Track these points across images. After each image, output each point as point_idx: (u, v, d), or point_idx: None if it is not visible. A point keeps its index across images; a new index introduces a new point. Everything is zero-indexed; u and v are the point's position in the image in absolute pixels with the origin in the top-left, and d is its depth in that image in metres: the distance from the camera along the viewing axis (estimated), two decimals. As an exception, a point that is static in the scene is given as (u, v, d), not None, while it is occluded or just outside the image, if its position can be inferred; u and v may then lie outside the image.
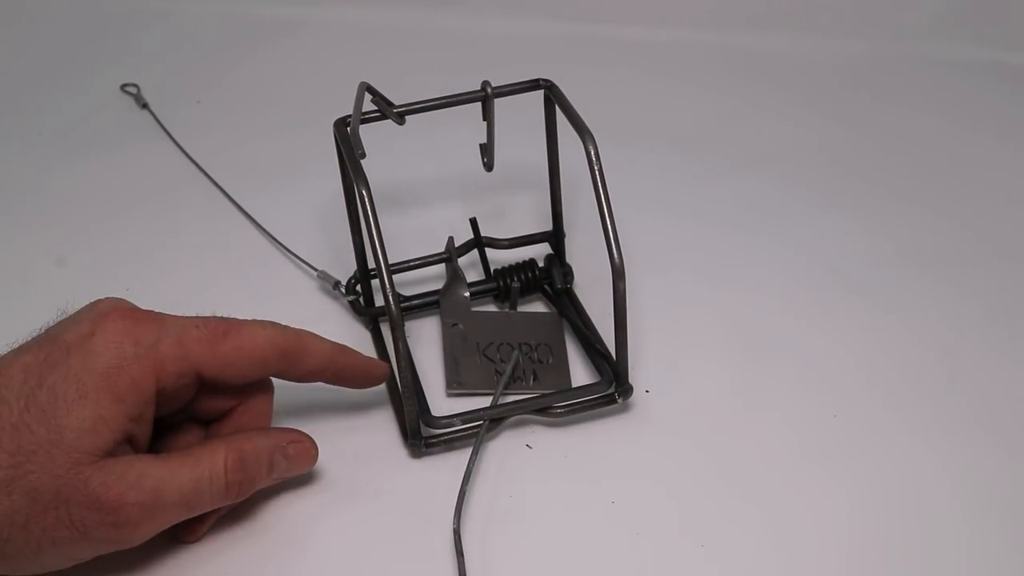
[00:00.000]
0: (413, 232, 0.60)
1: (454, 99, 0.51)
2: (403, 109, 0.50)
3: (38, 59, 0.82)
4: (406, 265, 0.58)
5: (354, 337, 0.56)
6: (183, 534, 0.44)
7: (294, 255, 0.61)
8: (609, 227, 0.48)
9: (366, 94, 0.49)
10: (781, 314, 0.58)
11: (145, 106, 0.75)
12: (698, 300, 0.59)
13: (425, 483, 0.48)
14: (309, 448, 0.46)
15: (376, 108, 0.50)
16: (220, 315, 0.44)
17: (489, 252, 0.59)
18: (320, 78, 0.79)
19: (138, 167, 0.70)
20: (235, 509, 0.46)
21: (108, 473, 0.39)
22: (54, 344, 0.40)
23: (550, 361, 0.54)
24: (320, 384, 0.48)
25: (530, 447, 0.50)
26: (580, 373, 0.55)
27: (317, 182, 0.63)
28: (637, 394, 0.52)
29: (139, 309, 0.43)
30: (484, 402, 0.51)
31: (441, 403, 0.52)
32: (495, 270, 0.58)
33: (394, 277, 0.48)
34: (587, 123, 0.49)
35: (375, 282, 0.56)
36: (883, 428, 0.52)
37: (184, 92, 0.77)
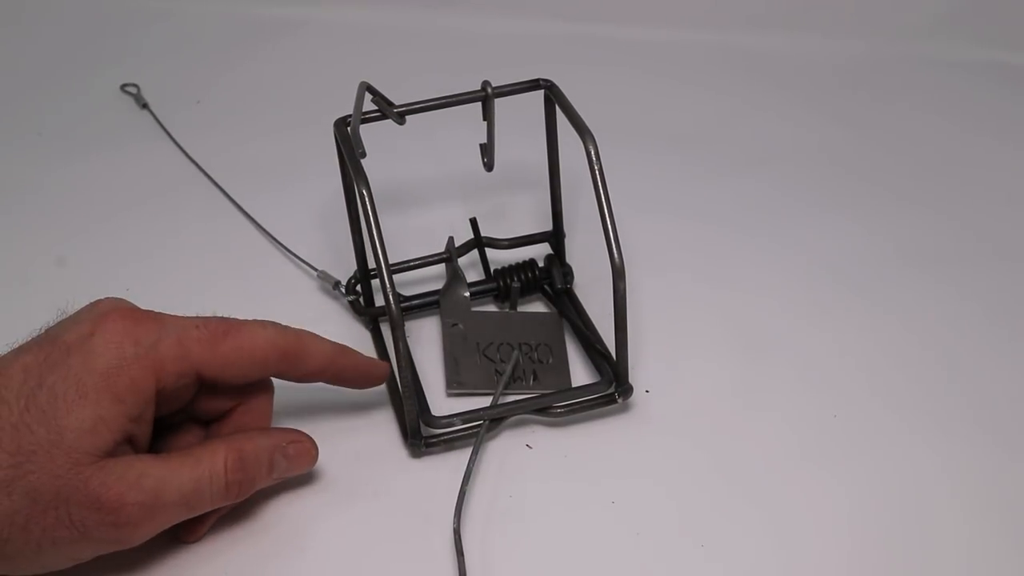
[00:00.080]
0: (413, 232, 0.60)
1: (454, 99, 0.51)
2: (403, 109, 0.50)
3: (38, 59, 0.82)
4: (406, 265, 0.58)
5: (354, 337, 0.56)
6: (183, 534, 0.44)
7: (294, 255, 0.61)
8: (609, 227, 0.48)
9: (366, 94, 0.49)
10: (781, 314, 0.58)
11: (145, 106, 0.75)
12: (698, 300, 0.59)
13: (425, 483, 0.48)
14: (309, 448, 0.46)
15: (376, 108, 0.50)
16: (220, 315, 0.44)
17: (489, 252, 0.59)
18: (320, 78, 0.79)
19: (138, 167, 0.70)
20: (235, 509, 0.46)
21: (108, 473, 0.39)
22: (54, 344, 0.40)
23: (550, 361, 0.54)
24: (320, 384, 0.48)
25: (530, 447, 0.50)
26: (580, 373, 0.55)
27: (317, 182, 0.63)
28: (637, 394, 0.52)
29: (139, 309, 0.43)
30: (484, 402, 0.51)
31: (441, 403, 0.52)
32: (495, 270, 0.58)
33: (394, 277, 0.48)
34: (587, 123, 0.49)
35: (375, 282, 0.56)
36: (883, 428, 0.52)
37: (184, 92, 0.77)
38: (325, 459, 0.47)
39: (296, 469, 0.46)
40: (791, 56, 0.84)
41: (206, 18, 0.86)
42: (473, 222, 0.59)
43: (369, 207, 0.46)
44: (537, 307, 0.59)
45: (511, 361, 0.53)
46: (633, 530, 0.46)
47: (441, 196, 0.66)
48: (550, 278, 0.58)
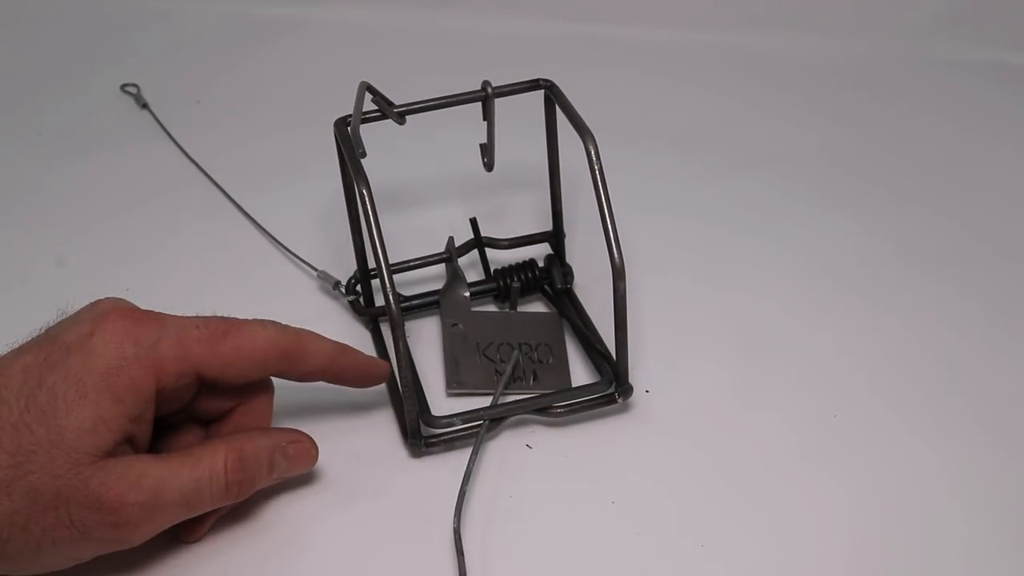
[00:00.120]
0: (413, 232, 0.60)
1: (454, 99, 0.51)
2: (403, 109, 0.50)
3: (38, 59, 0.82)
4: (406, 265, 0.58)
5: (354, 337, 0.56)
6: (183, 534, 0.44)
7: (294, 255, 0.61)
8: (609, 227, 0.48)
9: (366, 94, 0.49)
10: (781, 314, 0.58)
11: (145, 106, 0.75)
12: (698, 300, 0.59)
13: (425, 483, 0.48)
14: (309, 448, 0.46)
15: (376, 108, 0.50)
16: (220, 315, 0.44)
17: (489, 252, 0.59)
18: (320, 78, 0.79)
19: (138, 167, 0.70)
20: (235, 509, 0.46)
21: (108, 473, 0.39)
22: (54, 344, 0.40)
23: (550, 361, 0.54)
24: (320, 384, 0.48)
25: (530, 447, 0.50)
26: (580, 373, 0.55)
27: (317, 182, 0.63)
28: (637, 394, 0.52)
29: (139, 309, 0.43)
30: (484, 402, 0.51)
31: (441, 403, 0.52)
32: (495, 270, 0.58)
33: (394, 277, 0.48)
34: (587, 123, 0.49)
35: (375, 282, 0.56)
36: (883, 428, 0.52)
37: (184, 92, 0.77)
38: (325, 459, 0.47)
39: (296, 469, 0.46)
40: (791, 56, 0.84)
41: (206, 18, 0.86)
42: (473, 222, 0.59)
43: (369, 207, 0.46)
44: (537, 307, 0.59)
45: (511, 361, 0.53)
46: (633, 530, 0.46)
47: (441, 196, 0.66)
48: (550, 278, 0.58)
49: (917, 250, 0.64)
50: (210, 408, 0.46)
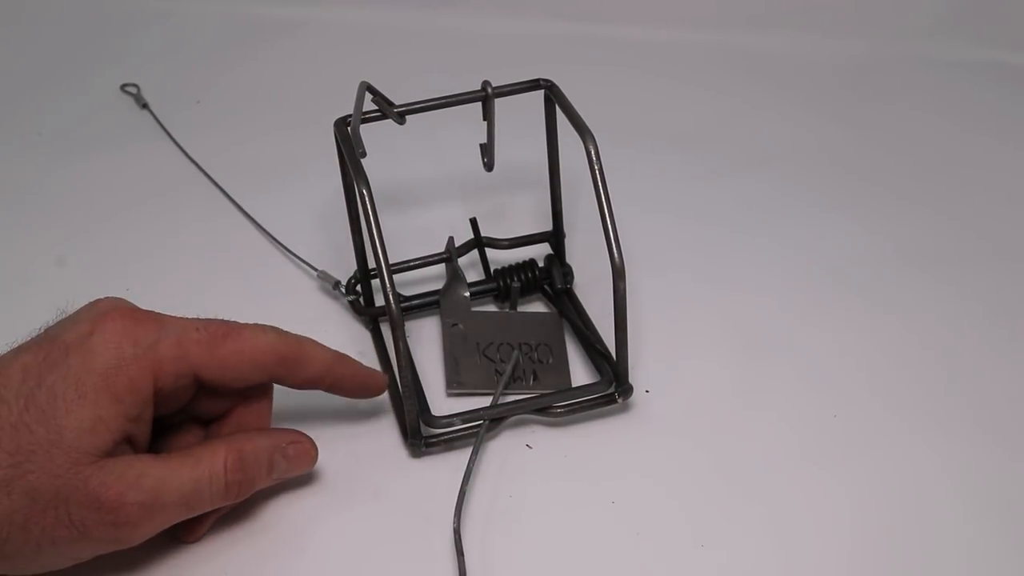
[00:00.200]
0: (413, 232, 0.60)
1: (454, 99, 0.51)
2: (403, 109, 0.50)
3: (38, 59, 0.82)
4: (406, 265, 0.58)
5: (354, 337, 0.56)
6: (183, 534, 0.44)
7: (294, 255, 0.61)
8: (609, 227, 0.48)
9: (366, 94, 0.49)
10: (781, 314, 0.58)
11: (145, 106, 0.75)
12: (698, 300, 0.59)
13: (425, 483, 0.48)
14: (309, 449, 0.46)
15: (377, 108, 0.50)
16: (221, 317, 0.44)
17: (489, 252, 0.59)
18: (320, 78, 0.79)
19: (138, 167, 0.70)
20: (235, 509, 0.46)
21: (108, 473, 0.39)
22: (53, 344, 0.40)
23: (550, 361, 0.54)
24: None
25: (530, 447, 0.50)
26: (580, 373, 0.55)
27: (317, 182, 0.63)
28: (637, 394, 0.52)
29: (139, 309, 0.43)
30: (484, 402, 0.51)
31: (441, 403, 0.52)
32: (495, 270, 0.58)
33: (394, 277, 0.48)
34: (587, 123, 0.49)
35: (375, 282, 0.56)
36: (883, 428, 0.52)
37: (184, 92, 0.77)
38: (325, 459, 0.47)
39: (296, 470, 0.46)
40: (791, 56, 0.84)
41: (206, 18, 0.86)
42: (473, 222, 0.59)
43: (369, 207, 0.46)
44: (537, 307, 0.59)
45: (511, 361, 0.53)
46: (633, 530, 0.46)
47: (441, 196, 0.66)
48: (550, 278, 0.58)
49: (917, 250, 0.64)
50: (209, 409, 0.46)
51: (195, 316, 0.44)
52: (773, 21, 0.86)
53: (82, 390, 0.39)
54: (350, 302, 0.57)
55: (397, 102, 0.50)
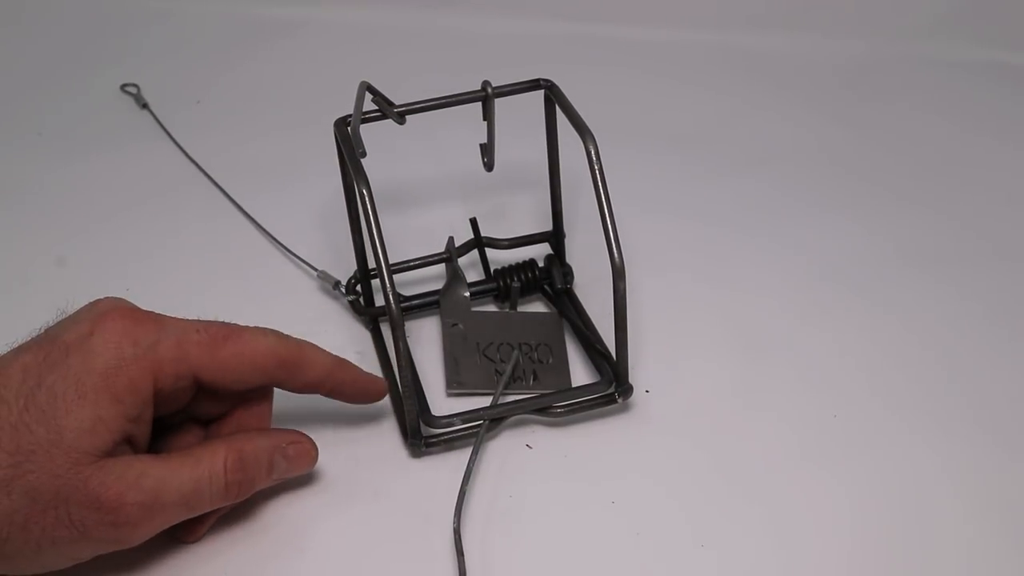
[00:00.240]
0: (413, 232, 0.60)
1: (454, 99, 0.51)
2: (403, 109, 0.50)
3: (38, 59, 0.82)
4: (406, 265, 0.58)
5: (354, 337, 0.56)
6: (183, 534, 0.44)
7: (294, 255, 0.61)
8: (609, 227, 0.48)
9: (366, 94, 0.49)
10: (781, 314, 0.58)
11: (145, 106, 0.75)
12: (698, 300, 0.59)
13: (425, 483, 0.48)
14: (309, 449, 0.46)
15: (377, 108, 0.50)
16: (222, 320, 0.44)
17: (489, 252, 0.59)
18: (320, 78, 0.79)
19: (138, 167, 0.70)
20: (235, 509, 0.46)
21: (108, 473, 0.39)
22: (53, 344, 0.40)
23: (550, 361, 0.54)
24: (319, 391, 0.48)
25: (530, 447, 0.50)
26: (580, 373, 0.55)
27: (317, 182, 0.63)
28: (637, 394, 0.52)
29: (139, 309, 0.43)
30: (484, 402, 0.51)
31: (441, 403, 0.52)
32: (495, 270, 0.58)
33: (394, 277, 0.48)
34: (587, 123, 0.49)
35: (375, 282, 0.56)
36: (883, 428, 0.52)
37: (184, 92, 0.77)
38: (325, 459, 0.47)
39: (296, 470, 0.46)
40: (791, 56, 0.84)
41: (206, 18, 0.86)
42: (473, 222, 0.59)
43: (369, 207, 0.46)
44: (537, 307, 0.59)
45: (511, 361, 0.53)
46: (633, 530, 0.46)
47: (441, 196, 0.66)
48: (550, 278, 0.58)
49: (917, 250, 0.64)
50: (209, 410, 0.46)
51: (195, 316, 0.44)
52: (773, 21, 0.86)
53: (82, 390, 0.39)
54: (350, 302, 0.57)
55: (397, 102, 0.50)
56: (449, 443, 0.49)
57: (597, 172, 0.48)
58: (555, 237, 0.59)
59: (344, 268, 0.58)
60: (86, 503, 0.38)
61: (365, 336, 0.56)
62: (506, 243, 0.60)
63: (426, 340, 0.56)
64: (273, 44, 0.84)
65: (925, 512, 0.48)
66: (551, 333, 0.56)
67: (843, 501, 0.48)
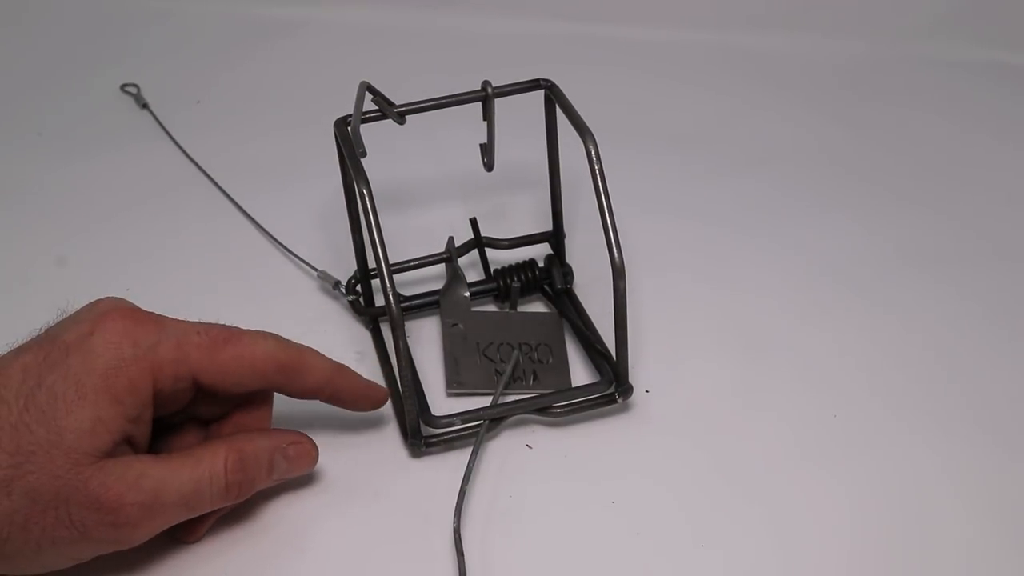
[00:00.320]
0: (413, 232, 0.60)
1: (454, 99, 0.51)
2: (403, 109, 0.50)
3: (38, 59, 0.82)
4: (406, 265, 0.58)
5: (354, 337, 0.56)
6: (183, 534, 0.44)
7: (294, 255, 0.61)
8: (609, 227, 0.48)
9: (366, 94, 0.49)
10: (781, 314, 0.58)
11: (145, 106, 0.75)
12: (698, 300, 0.59)
13: (425, 483, 0.48)
14: (309, 449, 0.46)
15: (377, 108, 0.50)
16: (223, 320, 0.44)
17: (489, 252, 0.59)
18: (320, 78, 0.79)
19: (138, 167, 0.70)
20: (235, 510, 0.46)
21: (108, 473, 0.39)
22: (53, 344, 0.40)
23: (550, 361, 0.54)
24: (320, 391, 0.48)
25: (530, 447, 0.50)
26: (580, 373, 0.55)
27: (317, 182, 0.63)
28: (637, 394, 0.52)
29: (140, 310, 0.43)
30: (484, 402, 0.51)
31: (441, 403, 0.52)
32: (495, 270, 0.58)
33: (394, 277, 0.48)
34: (587, 123, 0.49)
35: (375, 282, 0.56)
36: (883, 428, 0.52)
37: (184, 92, 0.77)
38: (325, 459, 0.47)
39: (296, 470, 0.46)
40: (791, 56, 0.84)
41: (206, 18, 0.86)
42: (473, 222, 0.59)
43: (369, 207, 0.46)
44: (537, 307, 0.59)
45: (511, 361, 0.53)
46: (633, 530, 0.46)
47: (441, 196, 0.66)
48: (550, 278, 0.58)
49: (917, 250, 0.64)
50: (210, 411, 0.46)
51: (196, 316, 0.44)
52: (773, 21, 0.86)
53: (82, 391, 0.39)
54: (350, 302, 0.57)
55: (397, 102, 0.50)
56: (449, 443, 0.49)
57: (597, 172, 0.48)
58: (555, 237, 0.59)
59: (344, 268, 0.58)
60: (86, 503, 0.38)
61: (365, 336, 0.56)
62: (506, 243, 0.60)
63: (426, 340, 0.56)
64: (273, 44, 0.84)
65: (925, 512, 0.48)
66: (551, 333, 0.56)
67: (843, 501, 0.48)
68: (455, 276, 0.57)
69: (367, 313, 0.57)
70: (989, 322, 0.58)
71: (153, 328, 0.42)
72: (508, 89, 0.51)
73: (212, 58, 0.82)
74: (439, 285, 0.58)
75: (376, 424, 0.51)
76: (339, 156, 0.50)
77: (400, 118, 0.50)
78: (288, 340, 0.45)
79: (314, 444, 0.46)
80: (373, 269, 0.49)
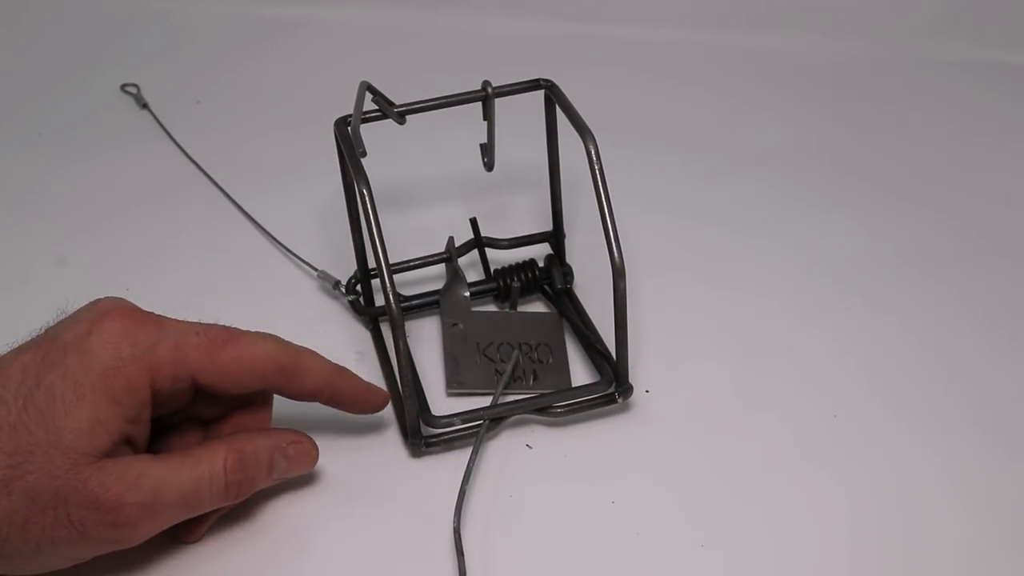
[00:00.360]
0: (413, 232, 0.60)
1: (454, 99, 0.51)
2: (404, 109, 0.50)
3: (38, 59, 0.82)
4: (406, 265, 0.58)
5: (354, 337, 0.56)
6: (182, 535, 0.44)
7: (294, 255, 0.61)
8: (609, 226, 0.48)
9: (367, 93, 0.49)
10: (781, 314, 0.58)
11: (145, 106, 0.75)
12: (698, 300, 0.59)
13: (425, 483, 0.48)
14: (309, 449, 0.46)
15: (377, 107, 0.50)
16: (223, 321, 0.44)
17: (489, 252, 0.59)
18: (320, 78, 0.79)
19: (138, 167, 0.70)
20: (235, 509, 0.46)
21: (107, 473, 0.39)
22: (52, 344, 0.40)
23: (550, 361, 0.54)
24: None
25: (530, 447, 0.50)
26: (580, 373, 0.55)
27: (317, 182, 0.63)
28: (637, 394, 0.52)
29: (139, 310, 0.43)
30: (484, 402, 0.51)
31: (441, 403, 0.52)
32: (495, 270, 0.58)
33: (394, 277, 0.47)
34: (587, 123, 0.49)
35: (375, 282, 0.56)
36: (883, 428, 0.52)
37: (184, 92, 0.77)
38: (325, 459, 0.47)
39: (296, 470, 0.46)
40: (791, 56, 0.84)
41: (206, 18, 0.86)
42: (473, 222, 0.59)
43: (369, 206, 0.46)
44: (537, 307, 0.59)
45: (511, 361, 0.53)
46: (633, 530, 0.46)
47: (441, 196, 0.66)
48: (550, 278, 0.58)
49: (917, 250, 0.64)
50: (209, 411, 0.46)
51: (196, 316, 0.44)
52: (773, 21, 0.86)
53: (80, 391, 0.39)
54: (350, 302, 0.57)
55: (397, 102, 0.50)
56: (449, 443, 0.49)
57: (597, 172, 0.48)
58: (555, 237, 0.59)
59: (344, 268, 0.58)
60: (85, 503, 0.38)
61: (365, 336, 0.56)
62: (506, 243, 0.60)
63: (426, 340, 0.56)
64: (273, 44, 0.84)
65: (925, 512, 0.48)
66: (551, 333, 0.56)
67: (843, 501, 0.48)
68: (455, 276, 0.57)
69: (367, 313, 0.57)
70: (989, 322, 0.58)
71: (152, 328, 0.42)
72: (508, 89, 0.51)
73: (212, 58, 0.82)
74: (439, 285, 0.58)
75: (376, 424, 0.51)
76: (339, 156, 0.50)
77: (400, 118, 0.50)
78: (288, 342, 0.45)
79: (314, 444, 0.46)
80: (373, 269, 0.49)
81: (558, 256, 0.59)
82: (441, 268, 0.59)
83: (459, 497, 0.46)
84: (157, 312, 0.43)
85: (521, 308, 0.58)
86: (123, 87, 0.77)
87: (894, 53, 0.84)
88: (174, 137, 0.72)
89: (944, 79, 0.82)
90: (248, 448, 0.44)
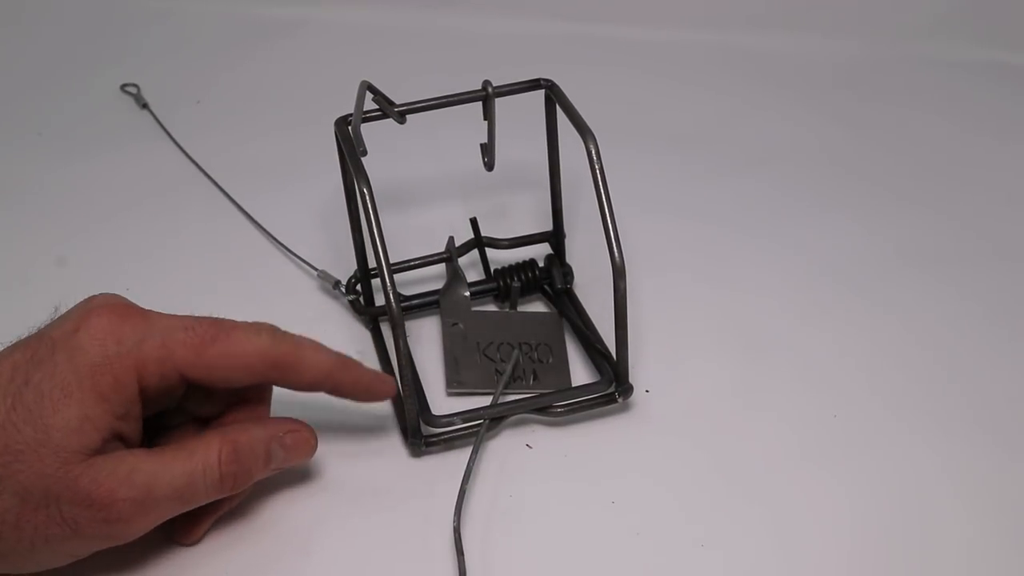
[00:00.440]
0: (413, 232, 0.60)
1: (455, 99, 0.51)
2: (404, 108, 0.50)
3: (38, 59, 0.82)
4: (406, 265, 0.58)
5: (354, 337, 0.56)
6: (180, 536, 0.44)
7: (294, 255, 0.61)
8: (609, 226, 0.48)
9: (367, 93, 0.49)
10: (781, 314, 0.58)
11: (145, 106, 0.75)
12: (698, 300, 0.59)
13: (425, 482, 0.48)
14: (308, 438, 0.46)
15: (377, 107, 0.50)
16: (217, 317, 0.43)
17: (489, 252, 0.59)
18: (320, 78, 0.79)
19: (138, 167, 0.70)
20: (235, 509, 0.46)
21: (98, 470, 0.39)
22: (41, 341, 0.40)
23: (550, 361, 0.54)
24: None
25: (530, 447, 0.50)
26: (580, 373, 0.55)
27: (317, 182, 0.63)
28: (637, 394, 0.52)
29: (130, 306, 0.42)
30: (484, 401, 0.51)
31: (441, 402, 0.52)
32: (495, 270, 0.58)
33: (394, 277, 0.47)
34: (587, 123, 0.49)
35: (375, 281, 0.56)
36: (883, 428, 0.52)
37: (184, 92, 0.77)
38: (324, 458, 0.47)
39: (294, 459, 0.46)
40: (791, 56, 0.84)
41: (206, 18, 0.86)
42: (473, 222, 0.59)
43: (370, 206, 0.46)
44: (537, 307, 0.59)
45: (511, 361, 0.53)
46: (633, 530, 0.46)
47: (441, 196, 0.66)
48: (550, 278, 0.58)
49: (917, 250, 0.64)
50: (206, 408, 0.45)
51: (188, 316, 0.43)
52: (773, 21, 0.86)
53: (68, 389, 0.39)
54: (350, 302, 0.57)
55: (397, 102, 0.50)
56: (449, 443, 0.49)
57: (597, 172, 0.48)
58: (555, 237, 0.59)
59: (344, 268, 0.58)
60: (77, 501, 0.38)
61: (365, 336, 0.56)
62: (506, 243, 0.60)
63: (426, 340, 0.56)
64: (273, 44, 0.84)
65: (925, 512, 0.48)
66: (551, 333, 0.56)
67: (843, 501, 0.48)
68: (455, 276, 0.57)
69: (367, 313, 0.57)
70: (989, 322, 0.58)
71: (140, 324, 0.41)
72: (508, 89, 0.51)
73: (212, 58, 0.82)
74: (439, 285, 0.58)
75: (376, 423, 0.51)
76: (339, 156, 0.50)
77: (400, 117, 0.50)
78: (286, 334, 0.44)
79: (312, 432, 0.46)
80: (373, 269, 0.49)
81: (558, 256, 0.59)
82: (441, 268, 0.59)
83: (459, 497, 0.46)
84: (148, 309, 0.43)
85: (521, 308, 0.58)
86: (123, 87, 0.77)
87: (894, 53, 0.84)
88: (174, 137, 0.72)
89: (944, 79, 0.82)
90: (243, 439, 0.43)
